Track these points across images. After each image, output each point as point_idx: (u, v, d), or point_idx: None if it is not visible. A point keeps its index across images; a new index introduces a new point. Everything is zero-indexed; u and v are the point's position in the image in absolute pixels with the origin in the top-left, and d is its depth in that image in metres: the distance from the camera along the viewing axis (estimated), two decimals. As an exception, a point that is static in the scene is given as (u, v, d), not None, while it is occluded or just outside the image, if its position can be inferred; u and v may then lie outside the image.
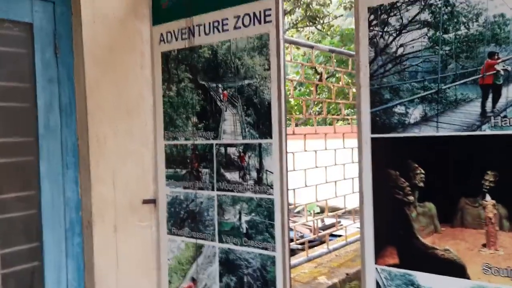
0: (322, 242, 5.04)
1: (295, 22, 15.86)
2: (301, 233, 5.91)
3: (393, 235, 1.82)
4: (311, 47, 4.44)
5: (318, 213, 6.10)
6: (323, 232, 4.89)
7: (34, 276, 2.35)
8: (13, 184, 2.30)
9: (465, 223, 1.65)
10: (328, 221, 6.49)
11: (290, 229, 2.40)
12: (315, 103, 12.30)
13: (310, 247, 4.72)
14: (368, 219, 1.89)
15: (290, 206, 3.75)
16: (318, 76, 13.67)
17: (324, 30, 16.07)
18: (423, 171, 1.74)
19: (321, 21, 15.83)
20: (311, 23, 15.96)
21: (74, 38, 2.46)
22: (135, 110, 2.68)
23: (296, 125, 10.98)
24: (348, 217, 5.52)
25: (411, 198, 1.77)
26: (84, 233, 2.48)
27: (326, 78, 12.52)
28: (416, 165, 1.75)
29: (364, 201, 1.90)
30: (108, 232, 2.52)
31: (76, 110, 2.47)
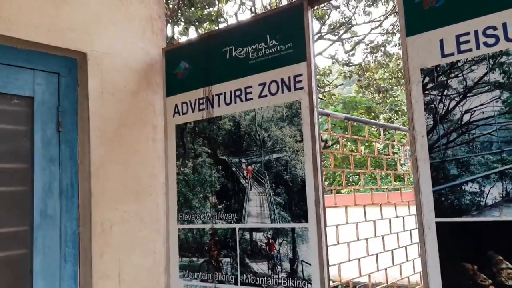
0: None
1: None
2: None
3: None
4: (327, 115, 4.22)
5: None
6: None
7: None
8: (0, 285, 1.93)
9: None
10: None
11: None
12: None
13: None
14: (440, 326, 1.50)
15: (336, 283, 3.33)
16: (323, 143, 13.53)
17: (326, 99, 16.23)
18: (511, 266, 1.39)
19: (322, 90, 16.03)
20: (312, 92, 16.10)
21: (80, 112, 2.21)
22: (146, 191, 2.36)
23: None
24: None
25: (497, 299, 1.40)
26: None
27: (332, 145, 12.35)
28: (501, 258, 1.40)
29: (432, 301, 1.52)
30: (112, 338, 2.11)
31: (79, 193, 2.16)
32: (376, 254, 4.07)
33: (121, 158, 2.28)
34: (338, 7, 14.49)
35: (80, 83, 2.20)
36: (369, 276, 4.01)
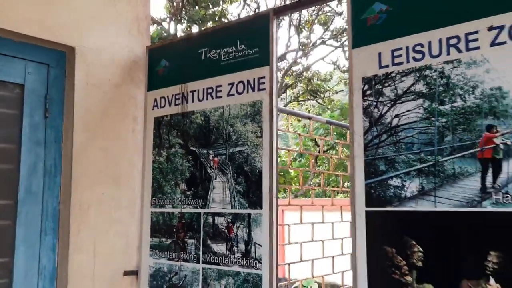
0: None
1: (296, 96, 16.24)
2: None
3: (391, 320, 1.65)
4: (309, 118, 4.43)
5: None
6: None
7: None
8: (-15, 250, 2.16)
9: (469, 310, 1.49)
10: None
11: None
12: (315, 174, 12.22)
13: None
14: (363, 301, 1.72)
15: (284, 282, 3.55)
16: (318, 148, 13.74)
17: (325, 104, 16.44)
18: (421, 249, 1.61)
19: (322, 95, 16.23)
20: (312, 97, 16.35)
21: (66, 101, 2.43)
22: (123, 176, 2.59)
23: (296, 196, 10.82)
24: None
25: (409, 278, 1.62)
26: (57, 307, 2.29)
27: (327, 150, 12.55)
28: (414, 242, 1.63)
29: (357, 279, 1.75)
30: (84, 306, 2.33)
31: (61, 174, 2.38)
32: (332, 257, 4.28)
33: (102, 145, 2.51)
34: (341, 13, 14.70)
35: (67, 74, 2.43)
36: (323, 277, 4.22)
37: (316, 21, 14.45)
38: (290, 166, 5.43)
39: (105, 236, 2.47)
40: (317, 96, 16.08)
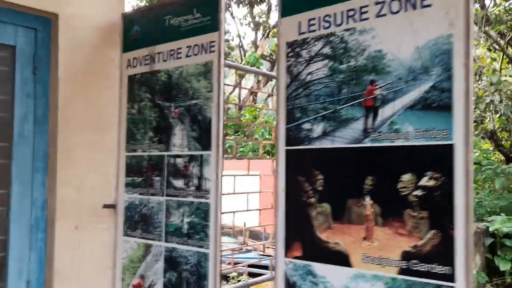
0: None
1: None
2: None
3: (299, 232, 2.14)
4: (251, 72, 4.82)
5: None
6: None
7: (-1, 265, 2.66)
8: (-13, 182, 2.65)
9: (351, 220, 1.98)
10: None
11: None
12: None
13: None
14: (281, 219, 2.21)
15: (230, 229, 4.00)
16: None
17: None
18: (322, 177, 2.08)
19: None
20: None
21: (52, 60, 2.86)
22: (104, 125, 3.05)
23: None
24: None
25: (313, 200, 2.10)
26: (48, 230, 2.80)
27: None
28: (317, 172, 2.10)
29: (278, 203, 2.23)
30: (70, 231, 2.84)
31: (49, 122, 2.84)
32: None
33: (84, 99, 2.95)
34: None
35: (52, 37, 2.85)
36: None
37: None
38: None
39: (87, 174, 2.95)
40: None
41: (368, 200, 1.93)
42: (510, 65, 11.46)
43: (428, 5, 1.81)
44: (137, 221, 2.89)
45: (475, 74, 11.40)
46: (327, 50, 2.11)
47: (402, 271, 1.82)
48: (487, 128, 10.80)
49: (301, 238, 2.13)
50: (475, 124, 11.27)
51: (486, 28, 10.52)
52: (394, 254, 1.85)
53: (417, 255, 1.79)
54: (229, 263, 6.36)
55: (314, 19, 2.17)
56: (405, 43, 1.87)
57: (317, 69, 2.13)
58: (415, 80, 1.84)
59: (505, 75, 10.07)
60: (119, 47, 3.12)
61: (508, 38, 10.83)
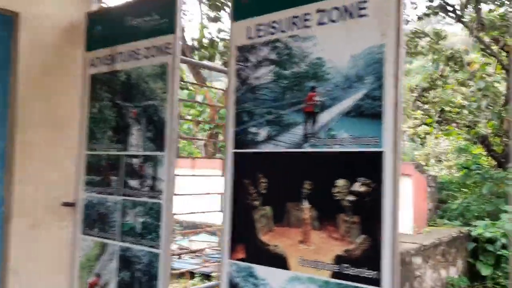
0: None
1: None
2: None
3: (243, 234, 2.18)
4: (205, 67, 4.83)
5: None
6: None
7: (-46, 262, 2.67)
8: None
9: (290, 223, 2.01)
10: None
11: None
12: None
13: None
14: (227, 221, 2.25)
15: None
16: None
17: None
18: (265, 181, 2.12)
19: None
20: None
21: (13, 59, 2.87)
22: (65, 123, 3.07)
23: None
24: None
25: (257, 203, 2.13)
26: (4, 227, 2.82)
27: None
28: (261, 175, 2.13)
29: (226, 205, 2.26)
30: (26, 228, 2.86)
31: (8, 120, 2.86)
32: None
33: (45, 98, 2.97)
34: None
35: (13, 36, 2.86)
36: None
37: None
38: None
39: (47, 172, 2.97)
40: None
41: (306, 204, 1.97)
42: (503, 71, 11.51)
43: (364, 15, 1.85)
44: (95, 220, 2.91)
45: (468, 79, 11.45)
46: (273, 55, 2.14)
47: (335, 275, 1.86)
48: (479, 133, 10.82)
49: (245, 240, 2.17)
50: (467, 128, 11.34)
51: (480, 34, 10.57)
52: (328, 258, 1.89)
53: (349, 259, 1.83)
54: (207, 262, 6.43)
55: (262, 24, 2.20)
56: (343, 51, 1.91)
57: (263, 74, 2.17)
58: (350, 88, 1.88)
59: (493, 82, 10.14)
60: (83, 46, 3.13)
61: (502, 43, 10.86)
